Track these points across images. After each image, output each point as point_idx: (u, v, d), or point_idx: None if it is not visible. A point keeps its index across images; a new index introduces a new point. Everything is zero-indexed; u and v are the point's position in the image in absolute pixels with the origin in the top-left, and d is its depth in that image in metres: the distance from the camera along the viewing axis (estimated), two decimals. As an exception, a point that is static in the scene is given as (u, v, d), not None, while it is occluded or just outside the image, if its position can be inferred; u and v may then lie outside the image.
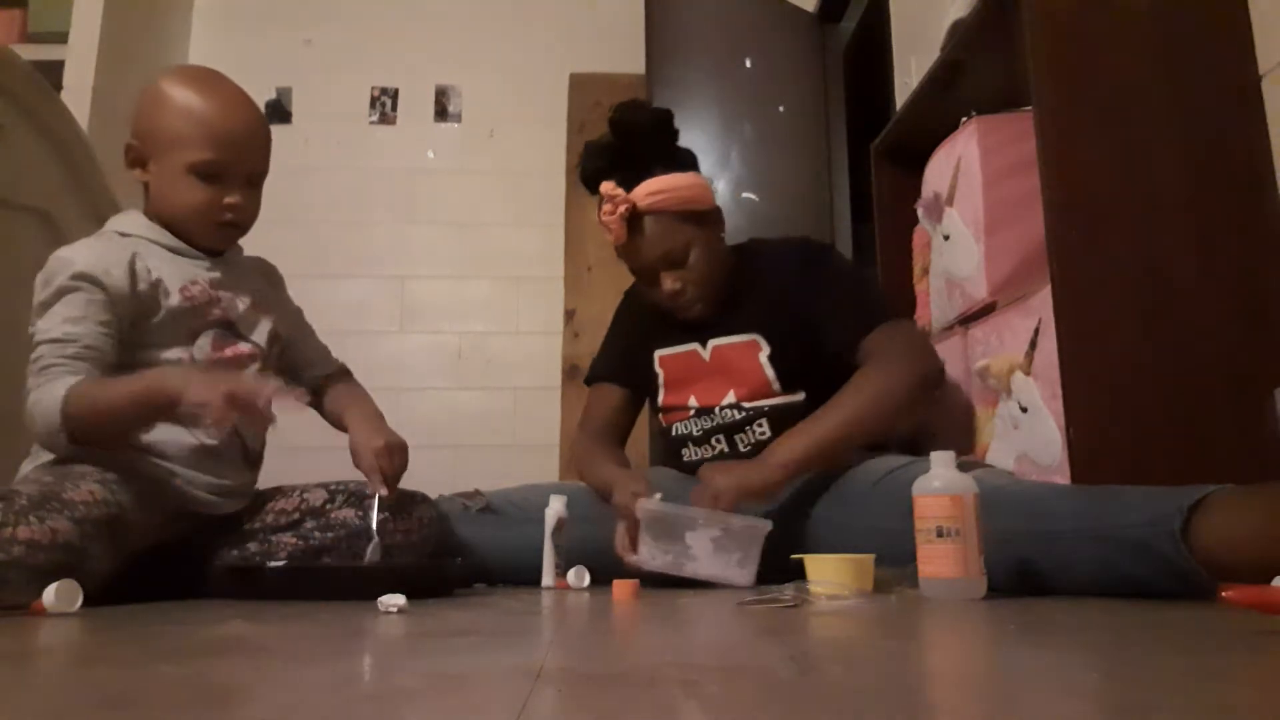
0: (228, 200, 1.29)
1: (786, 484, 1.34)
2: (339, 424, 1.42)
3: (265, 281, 1.46)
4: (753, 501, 1.30)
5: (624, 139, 1.48)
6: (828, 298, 1.49)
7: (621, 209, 1.43)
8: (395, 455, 1.32)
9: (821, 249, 1.60)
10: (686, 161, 1.53)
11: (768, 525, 1.26)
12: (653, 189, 1.45)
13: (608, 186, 1.44)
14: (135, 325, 1.24)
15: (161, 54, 3.01)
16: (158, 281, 1.26)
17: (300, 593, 1.15)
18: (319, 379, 1.49)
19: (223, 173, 1.28)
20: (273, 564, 1.24)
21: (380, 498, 1.30)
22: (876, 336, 1.43)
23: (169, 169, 1.27)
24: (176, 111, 1.26)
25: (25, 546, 0.99)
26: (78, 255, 1.22)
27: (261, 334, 1.36)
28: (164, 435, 1.23)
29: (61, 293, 1.20)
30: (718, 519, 1.26)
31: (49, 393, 1.13)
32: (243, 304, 1.35)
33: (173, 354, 1.26)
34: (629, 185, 1.45)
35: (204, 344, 1.28)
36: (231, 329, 1.33)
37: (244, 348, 1.33)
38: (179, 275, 1.29)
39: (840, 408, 1.37)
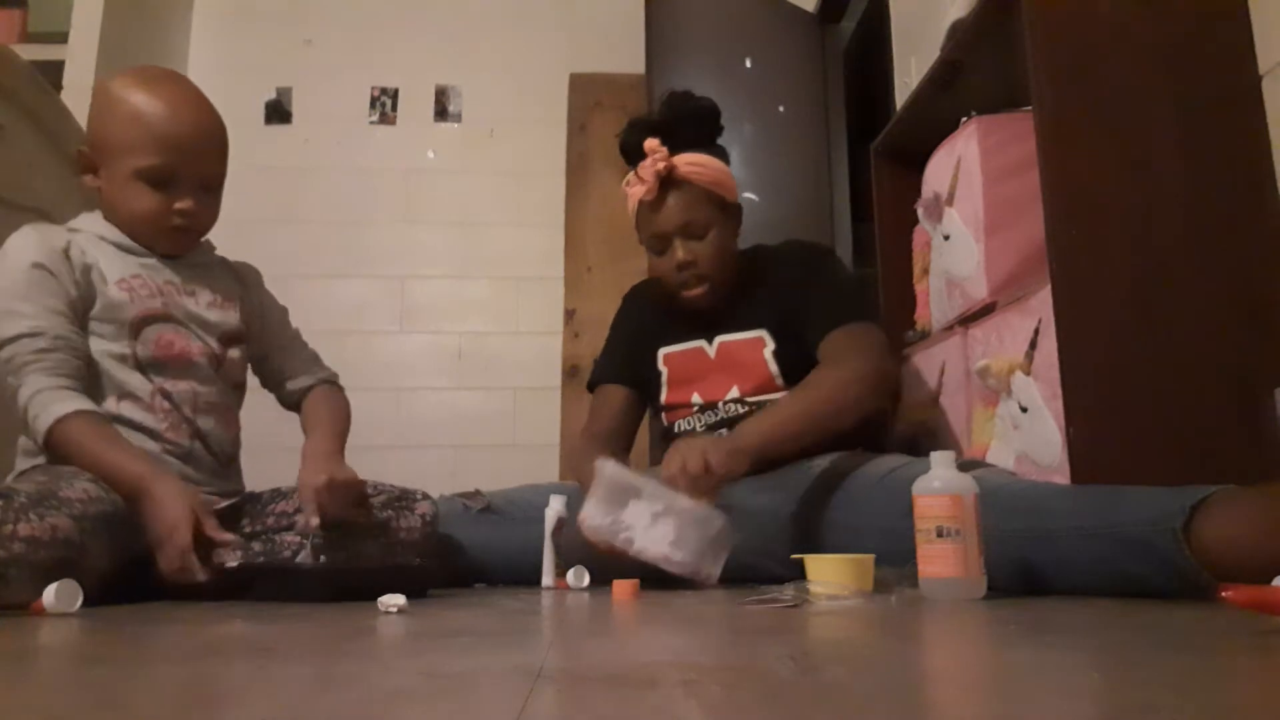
0: (178, 206, 1.27)
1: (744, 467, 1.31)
2: None
3: (234, 281, 1.43)
4: (714, 478, 1.26)
5: (672, 119, 1.52)
6: (812, 295, 1.52)
7: (661, 165, 1.47)
8: (335, 493, 1.22)
9: (818, 249, 1.64)
10: (722, 156, 1.58)
11: (719, 516, 1.24)
12: (693, 160, 1.50)
13: (652, 143, 1.48)
14: (83, 316, 1.24)
15: (161, 54, 3.01)
16: (91, 267, 1.25)
17: (267, 592, 1.14)
18: (299, 393, 1.46)
19: (171, 178, 1.25)
20: (230, 564, 1.17)
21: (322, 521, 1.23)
22: (835, 337, 1.46)
23: (117, 175, 1.25)
24: (122, 116, 1.24)
25: (26, 543, 0.99)
26: (23, 244, 1.22)
27: (216, 333, 1.34)
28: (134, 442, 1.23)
29: (17, 285, 1.20)
30: (667, 496, 1.24)
31: (40, 407, 1.15)
32: (196, 302, 1.33)
33: (116, 348, 1.24)
34: (671, 150, 1.49)
35: (148, 340, 1.26)
36: (181, 325, 1.30)
37: (194, 346, 1.30)
38: (120, 268, 1.27)
39: (798, 402, 1.39)
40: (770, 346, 1.51)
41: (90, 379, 1.23)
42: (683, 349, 1.59)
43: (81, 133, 1.84)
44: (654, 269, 1.58)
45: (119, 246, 1.29)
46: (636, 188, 1.50)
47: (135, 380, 1.25)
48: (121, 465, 1.14)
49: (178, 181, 1.27)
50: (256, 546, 1.28)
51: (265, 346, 1.46)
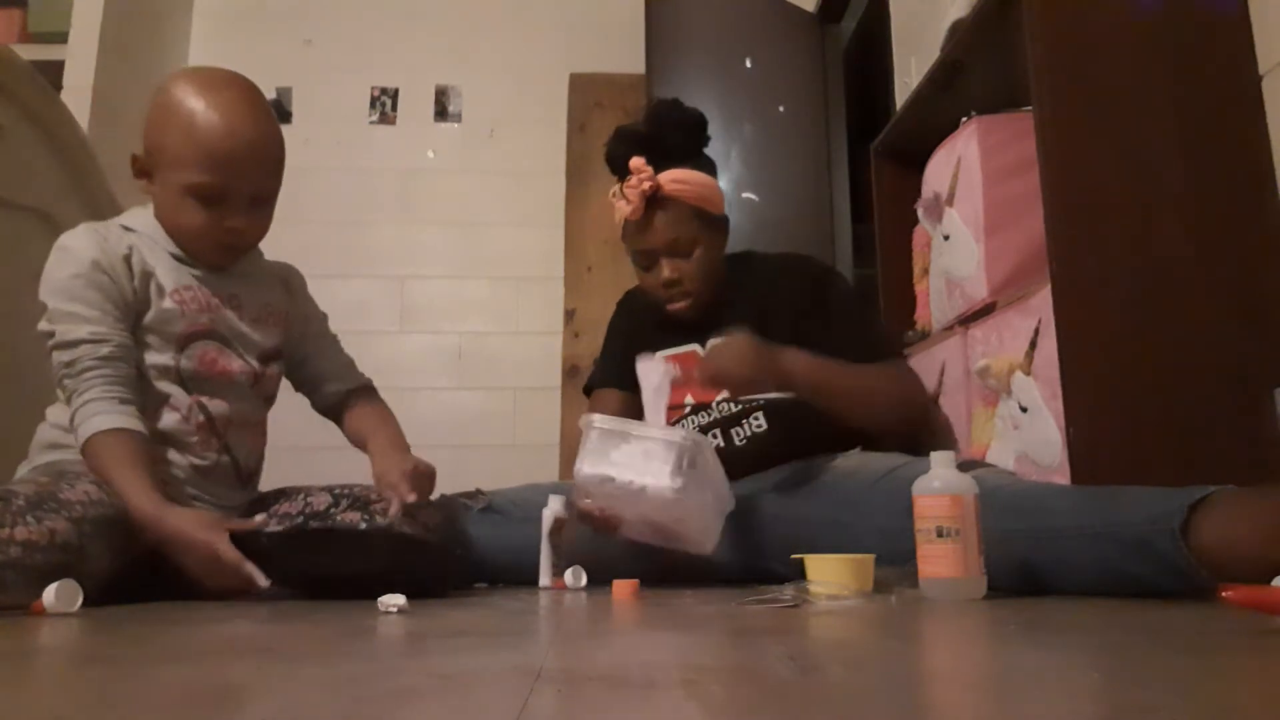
0: (228, 224, 1.25)
1: (771, 383, 1.36)
2: (361, 447, 1.40)
3: (282, 290, 1.43)
4: (741, 378, 1.32)
5: (659, 130, 1.53)
6: (835, 328, 1.51)
7: (646, 185, 1.48)
8: (422, 482, 1.26)
9: (827, 271, 1.64)
10: (708, 166, 1.58)
11: (704, 442, 1.26)
12: (678, 177, 1.50)
13: (637, 162, 1.49)
14: (136, 322, 1.24)
15: (161, 54, 3.01)
16: (150, 275, 1.24)
17: (301, 561, 1.15)
18: (340, 394, 1.46)
19: (223, 196, 1.23)
20: (272, 529, 1.17)
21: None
22: (884, 366, 1.49)
23: (169, 187, 1.24)
24: (177, 127, 1.21)
25: (23, 547, 0.98)
26: (82, 245, 1.21)
27: (256, 351, 1.34)
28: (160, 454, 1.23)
29: (78, 287, 1.19)
30: (654, 432, 1.26)
31: (85, 417, 1.16)
32: (241, 317, 1.32)
33: (161, 359, 1.24)
34: (656, 168, 1.49)
35: (192, 354, 1.26)
36: (225, 342, 1.30)
37: (234, 365, 1.30)
38: (174, 278, 1.27)
39: (858, 372, 1.42)
40: None
41: (140, 387, 1.23)
42: (680, 353, 1.60)
43: (82, 133, 1.85)
44: (641, 282, 1.60)
45: (173, 255, 1.29)
46: (622, 205, 1.51)
47: (175, 393, 1.25)
48: (132, 499, 1.12)
49: (229, 199, 1.24)
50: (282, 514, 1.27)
51: (305, 351, 1.45)
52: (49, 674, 0.64)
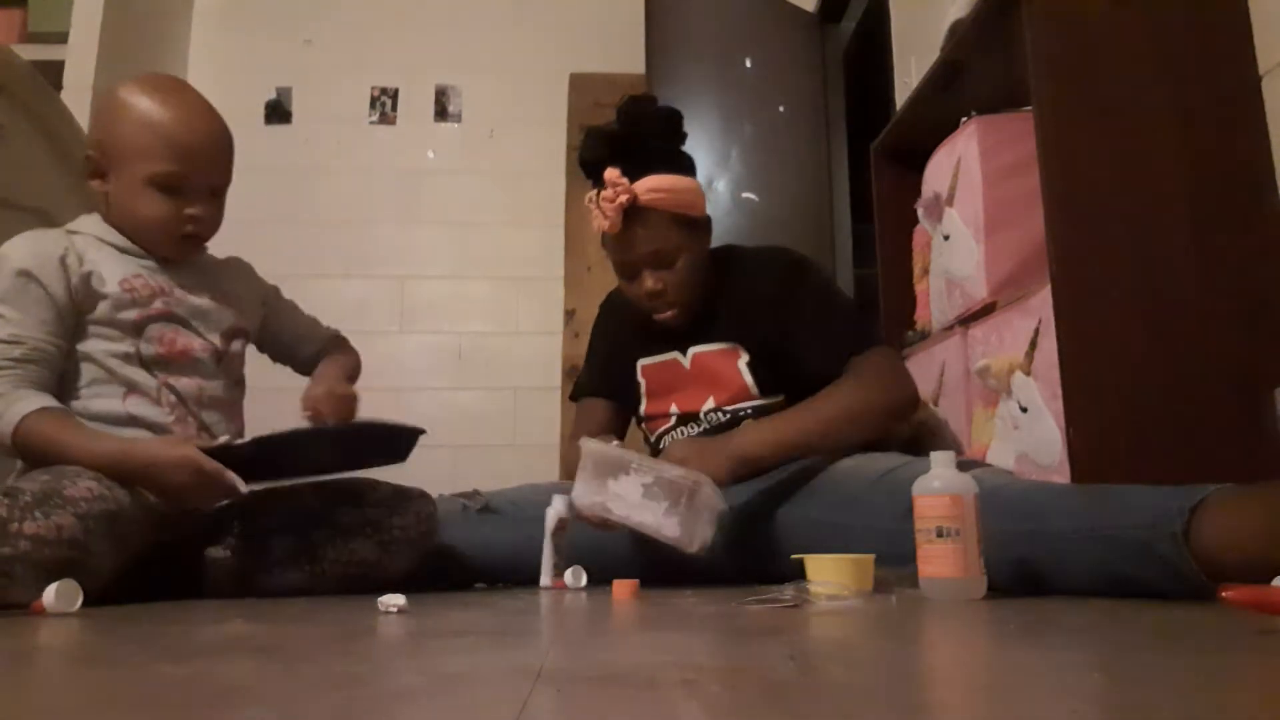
0: (189, 212, 1.29)
1: (743, 475, 1.33)
2: None
3: (233, 278, 1.44)
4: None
5: (632, 130, 1.47)
6: (806, 321, 1.48)
7: (623, 198, 1.42)
8: (335, 402, 1.29)
9: (798, 263, 1.57)
10: (687, 165, 1.53)
11: (705, 480, 1.23)
12: (655, 185, 1.44)
13: (613, 173, 1.43)
14: (79, 322, 1.25)
15: (161, 54, 3.01)
16: (90, 274, 1.25)
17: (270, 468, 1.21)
18: (314, 357, 1.51)
19: (183, 184, 1.27)
20: (237, 442, 1.21)
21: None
22: (856, 363, 1.43)
23: (128, 181, 1.26)
24: (136, 122, 1.25)
25: (31, 541, 0.99)
26: (15, 252, 1.23)
27: (217, 330, 1.35)
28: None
29: (4, 290, 1.21)
30: (654, 467, 1.24)
31: (2, 410, 1.15)
32: (197, 300, 1.34)
33: (121, 347, 1.25)
34: (632, 177, 1.44)
35: (151, 338, 1.27)
36: (183, 323, 1.31)
37: (195, 343, 1.32)
38: (121, 270, 1.28)
39: (812, 411, 1.38)
40: (744, 358, 1.49)
41: (65, 387, 1.24)
42: (659, 361, 1.58)
43: (82, 133, 1.85)
44: (625, 291, 1.56)
45: (119, 249, 1.30)
46: (599, 218, 1.46)
47: (141, 377, 1.26)
48: (93, 451, 1.14)
49: (189, 188, 1.28)
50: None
51: (274, 326, 1.50)
52: (49, 674, 0.64)
